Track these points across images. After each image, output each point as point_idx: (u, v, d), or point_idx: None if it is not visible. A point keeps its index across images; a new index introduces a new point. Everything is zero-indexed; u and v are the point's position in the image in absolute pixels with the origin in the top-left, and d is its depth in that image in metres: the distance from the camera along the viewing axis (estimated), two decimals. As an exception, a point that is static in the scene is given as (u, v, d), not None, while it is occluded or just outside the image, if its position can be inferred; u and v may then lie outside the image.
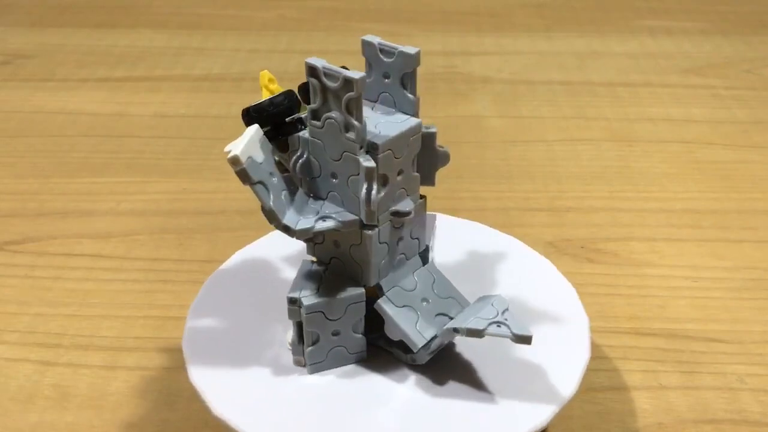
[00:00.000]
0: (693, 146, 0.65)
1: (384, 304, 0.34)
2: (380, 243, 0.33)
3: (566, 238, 0.53)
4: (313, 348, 0.35)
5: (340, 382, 0.35)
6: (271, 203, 0.31)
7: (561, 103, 0.71)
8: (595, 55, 0.81)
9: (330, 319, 0.34)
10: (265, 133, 0.33)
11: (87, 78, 0.76)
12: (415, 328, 0.34)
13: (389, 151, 0.32)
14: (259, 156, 0.32)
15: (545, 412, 0.33)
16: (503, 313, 0.33)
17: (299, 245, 0.41)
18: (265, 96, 0.34)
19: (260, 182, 0.31)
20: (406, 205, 0.33)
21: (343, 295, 0.34)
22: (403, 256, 0.35)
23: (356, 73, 0.30)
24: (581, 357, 0.36)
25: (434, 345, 0.34)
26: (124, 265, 0.51)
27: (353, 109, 0.31)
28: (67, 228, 0.54)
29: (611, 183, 0.60)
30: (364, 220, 0.32)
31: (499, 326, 0.32)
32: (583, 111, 0.70)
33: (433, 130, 0.34)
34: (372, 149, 0.32)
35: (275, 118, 0.33)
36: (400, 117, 0.33)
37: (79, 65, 0.79)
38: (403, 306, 0.34)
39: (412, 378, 0.35)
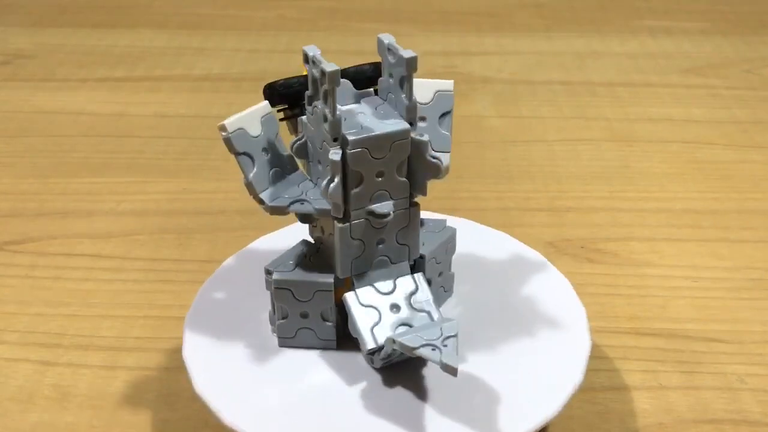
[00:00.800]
0: (693, 146, 0.65)
1: (348, 298, 0.34)
2: (353, 238, 0.34)
3: (566, 238, 0.53)
4: (282, 322, 0.36)
5: (343, 382, 0.35)
6: (251, 176, 0.32)
7: (561, 103, 0.71)
8: (595, 55, 0.81)
9: (298, 300, 0.35)
10: (282, 111, 0.34)
11: (87, 78, 0.76)
12: (370, 330, 0.34)
13: (364, 149, 0.32)
14: (255, 130, 0.33)
15: (545, 412, 0.33)
16: (446, 339, 0.32)
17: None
18: None
19: (246, 154, 0.32)
20: (384, 207, 0.33)
21: (312, 279, 0.35)
22: (386, 258, 0.35)
23: (330, 66, 0.30)
24: (581, 357, 0.36)
25: (383, 353, 0.34)
26: (124, 265, 0.51)
27: (327, 100, 0.31)
28: (67, 228, 0.54)
29: (611, 183, 0.60)
30: (331, 211, 0.33)
31: (433, 350, 0.31)
32: (583, 111, 0.70)
33: (424, 138, 0.33)
34: (343, 144, 0.32)
35: (288, 99, 0.34)
36: (394, 120, 0.33)
37: (79, 65, 0.79)
38: (369, 306, 0.34)
39: (412, 379, 0.35)
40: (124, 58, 0.80)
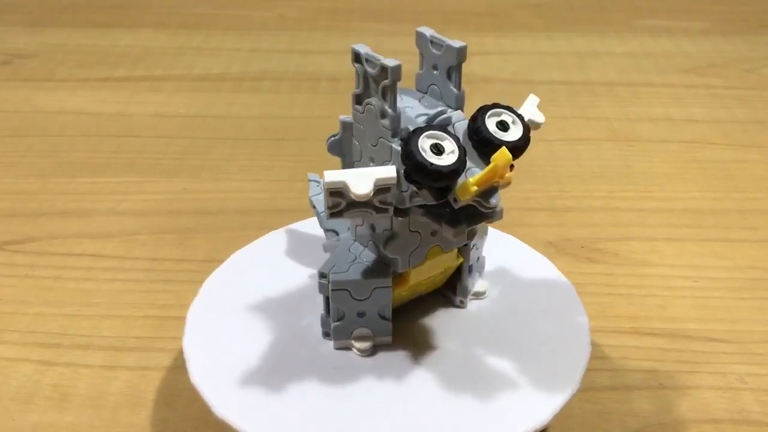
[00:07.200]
0: (693, 146, 0.65)
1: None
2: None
3: (566, 238, 0.53)
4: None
5: (342, 380, 0.35)
6: None
7: (561, 103, 0.71)
8: (595, 55, 0.81)
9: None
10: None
11: (87, 78, 0.76)
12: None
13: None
14: None
15: (545, 412, 0.33)
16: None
17: (298, 245, 0.41)
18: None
19: None
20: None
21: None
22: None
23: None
24: (581, 357, 0.36)
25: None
26: (124, 265, 0.51)
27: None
28: (67, 228, 0.54)
29: (611, 183, 0.60)
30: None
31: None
32: (583, 111, 0.70)
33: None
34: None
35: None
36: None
37: (79, 65, 0.79)
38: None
39: (412, 377, 0.35)
40: (125, 58, 0.80)
